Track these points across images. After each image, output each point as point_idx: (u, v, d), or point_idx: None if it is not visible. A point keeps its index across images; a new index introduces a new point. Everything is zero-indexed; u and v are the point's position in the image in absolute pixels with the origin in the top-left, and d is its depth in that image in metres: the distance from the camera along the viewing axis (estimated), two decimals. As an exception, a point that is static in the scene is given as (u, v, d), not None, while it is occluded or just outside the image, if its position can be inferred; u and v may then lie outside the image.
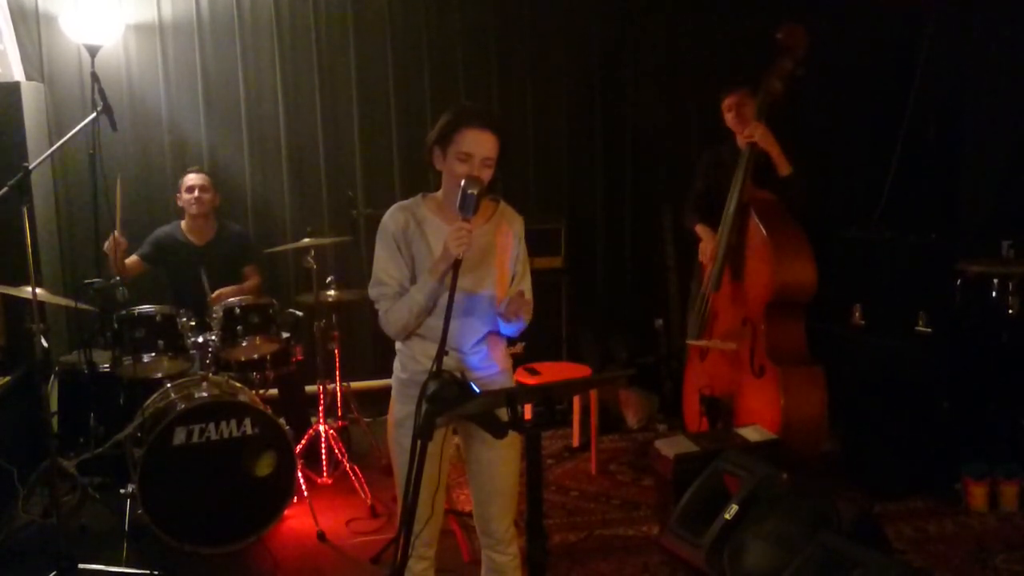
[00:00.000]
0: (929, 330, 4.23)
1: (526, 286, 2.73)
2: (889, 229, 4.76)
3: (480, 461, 2.73)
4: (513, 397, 2.24)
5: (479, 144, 2.49)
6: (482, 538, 2.80)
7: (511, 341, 2.84)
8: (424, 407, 2.24)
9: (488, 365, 2.70)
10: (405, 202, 2.68)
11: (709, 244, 4.44)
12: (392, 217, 2.64)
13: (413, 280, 2.60)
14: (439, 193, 2.65)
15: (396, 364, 2.73)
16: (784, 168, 4.15)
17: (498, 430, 2.33)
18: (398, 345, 2.71)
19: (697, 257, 4.62)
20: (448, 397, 2.28)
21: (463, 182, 2.43)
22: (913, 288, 4.31)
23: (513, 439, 2.70)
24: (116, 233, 4.28)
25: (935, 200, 5.29)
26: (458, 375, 2.43)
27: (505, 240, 2.64)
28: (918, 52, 5.32)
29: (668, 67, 5.82)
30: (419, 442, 2.23)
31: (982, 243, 4.57)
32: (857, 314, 4.55)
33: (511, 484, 2.75)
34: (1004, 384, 4.15)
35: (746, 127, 4.22)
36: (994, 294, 4.27)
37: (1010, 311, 4.23)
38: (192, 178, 4.72)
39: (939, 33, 5.23)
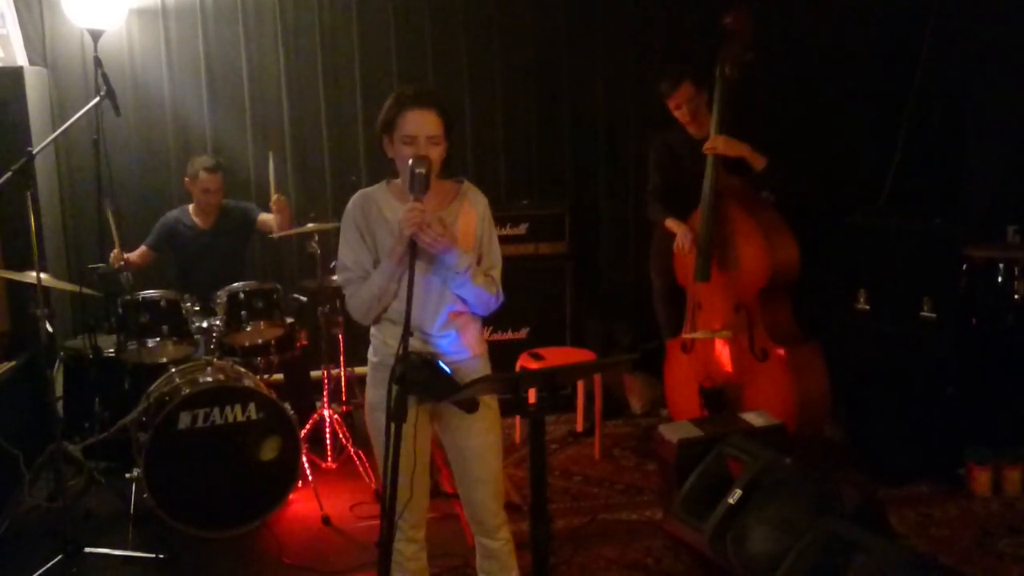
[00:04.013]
0: (934, 315, 4.22)
1: (493, 265, 2.70)
2: (894, 214, 4.74)
3: (461, 449, 2.72)
4: (517, 381, 2.24)
5: (421, 124, 2.51)
6: (472, 526, 2.80)
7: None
8: (394, 390, 2.25)
9: (459, 350, 2.67)
10: (368, 189, 2.72)
11: (685, 239, 4.35)
12: (354, 203, 2.68)
13: (377, 265, 2.62)
14: (399, 179, 2.66)
15: (370, 349, 2.75)
16: (758, 163, 4.15)
17: (468, 405, 2.34)
18: (372, 330, 2.73)
19: (652, 248, 4.76)
20: (418, 379, 2.30)
21: (410, 162, 2.46)
22: (918, 273, 4.30)
23: (491, 423, 2.71)
24: (116, 251, 4.29)
25: (940, 185, 5.27)
26: (427, 356, 2.44)
27: (468, 220, 2.64)
28: (923, 36, 5.28)
29: (669, 52, 5.78)
30: (393, 425, 2.24)
31: (987, 228, 4.55)
32: (862, 299, 4.54)
33: (495, 468, 2.74)
34: (1009, 369, 4.15)
35: (699, 119, 4.27)
36: (999, 279, 4.26)
37: (1015, 296, 4.22)
38: (207, 180, 4.63)
39: (944, 16, 5.20)
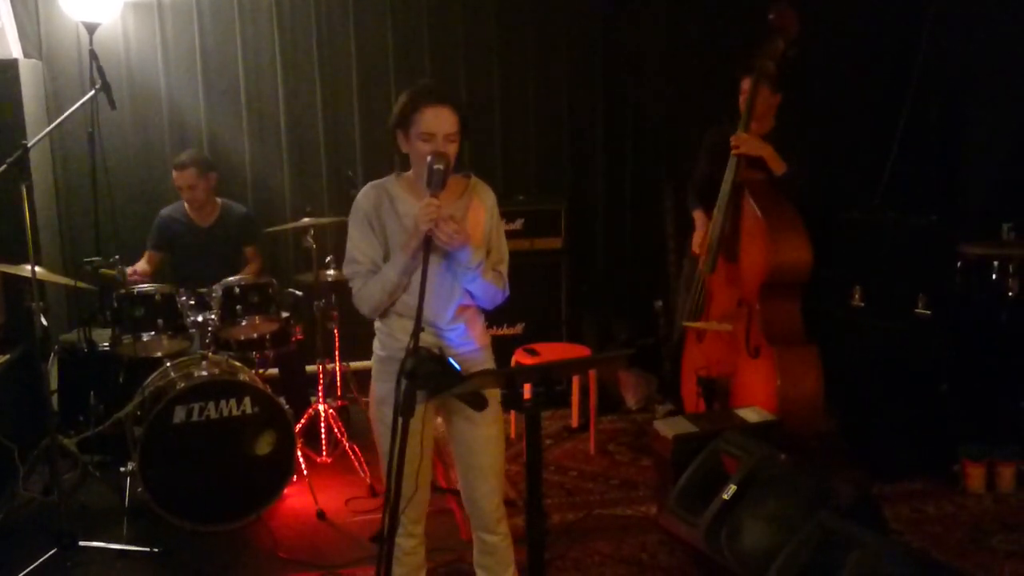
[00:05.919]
0: (929, 312, 4.23)
1: (501, 260, 2.72)
2: (890, 211, 4.75)
3: (465, 441, 2.73)
4: (512, 377, 2.24)
5: (439, 121, 2.51)
6: (472, 520, 2.80)
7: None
8: (403, 384, 2.25)
9: (466, 342, 2.70)
10: (378, 181, 2.70)
11: (700, 233, 4.41)
12: (365, 196, 2.66)
13: (387, 258, 2.62)
14: (411, 172, 2.66)
15: (376, 343, 2.74)
16: (778, 168, 4.14)
17: (478, 403, 2.34)
18: (377, 324, 2.73)
19: (691, 236, 4.63)
20: (427, 373, 2.29)
21: (429, 158, 2.45)
22: (913, 270, 4.31)
23: (496, 417, 2.72)
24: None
25: (936, 182, 5.28)
26: (436, 351, 2.44)
27: (477, 215, 2.65)
28: (921, 33, 5.29)
29: (669, 47, 5.78)
30: (400, 419, 2.24)
31: (983, 225, 4.56)
32: (857, 296, 4.54)
33: (498, 463, 2.75)
34: (1003, 366, 4.16)
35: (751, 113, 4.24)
36: (994, 276, 4.27)
37: (1010, 293, 4.23)
38: (179, 178, 4.61)
39: (942, 13, 5.20)
